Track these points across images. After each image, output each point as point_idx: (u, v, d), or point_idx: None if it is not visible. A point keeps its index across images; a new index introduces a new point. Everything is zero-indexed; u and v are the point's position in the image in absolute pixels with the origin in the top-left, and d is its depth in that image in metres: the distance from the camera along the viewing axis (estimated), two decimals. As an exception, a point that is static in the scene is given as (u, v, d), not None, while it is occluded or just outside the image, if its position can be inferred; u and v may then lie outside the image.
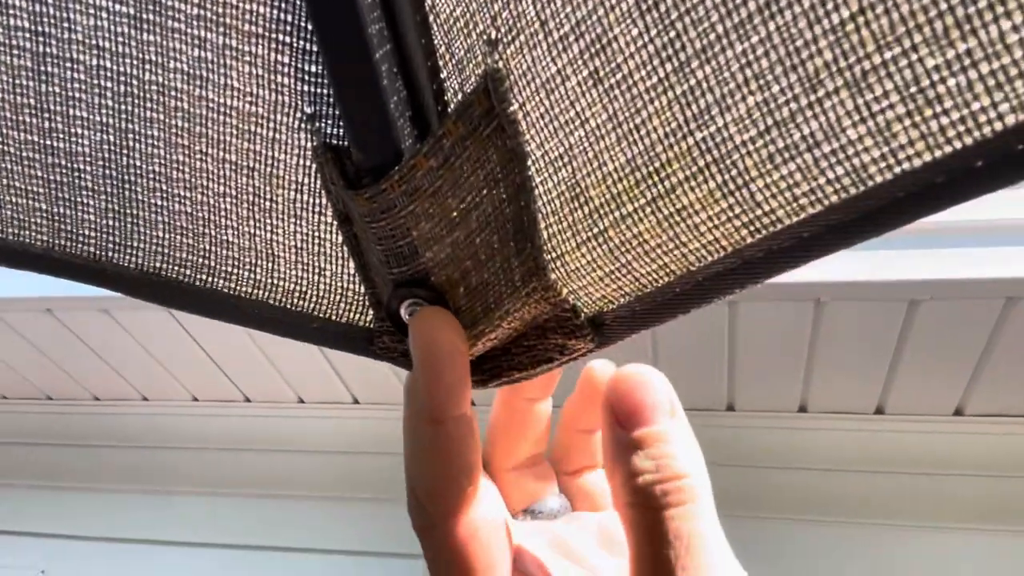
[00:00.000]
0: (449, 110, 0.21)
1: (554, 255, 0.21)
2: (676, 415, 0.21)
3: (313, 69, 0.22)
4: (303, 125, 0.22)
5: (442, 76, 0.21)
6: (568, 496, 0.28)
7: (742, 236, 0.18)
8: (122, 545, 1.62)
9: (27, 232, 0.25)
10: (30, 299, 1.46)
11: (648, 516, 0.20)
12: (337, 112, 0.22)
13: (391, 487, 1.51)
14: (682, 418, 0.21)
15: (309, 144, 0.22)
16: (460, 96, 0.21)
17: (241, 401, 1.66)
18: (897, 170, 0.16)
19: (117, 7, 0.22)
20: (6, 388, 1.77)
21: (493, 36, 0.20)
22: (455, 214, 0.21)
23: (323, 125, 0.22)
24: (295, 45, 0.21)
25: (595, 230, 0.20)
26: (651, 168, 0.18)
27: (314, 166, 0.23)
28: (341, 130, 0.22)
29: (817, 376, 1.35)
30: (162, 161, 0.23)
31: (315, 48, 0.21)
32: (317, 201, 0.23)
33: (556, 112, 0.19)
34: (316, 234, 0.24)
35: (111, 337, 1.52)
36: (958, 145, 0.15)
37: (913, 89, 0.15)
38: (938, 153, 0.15)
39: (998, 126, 0.14)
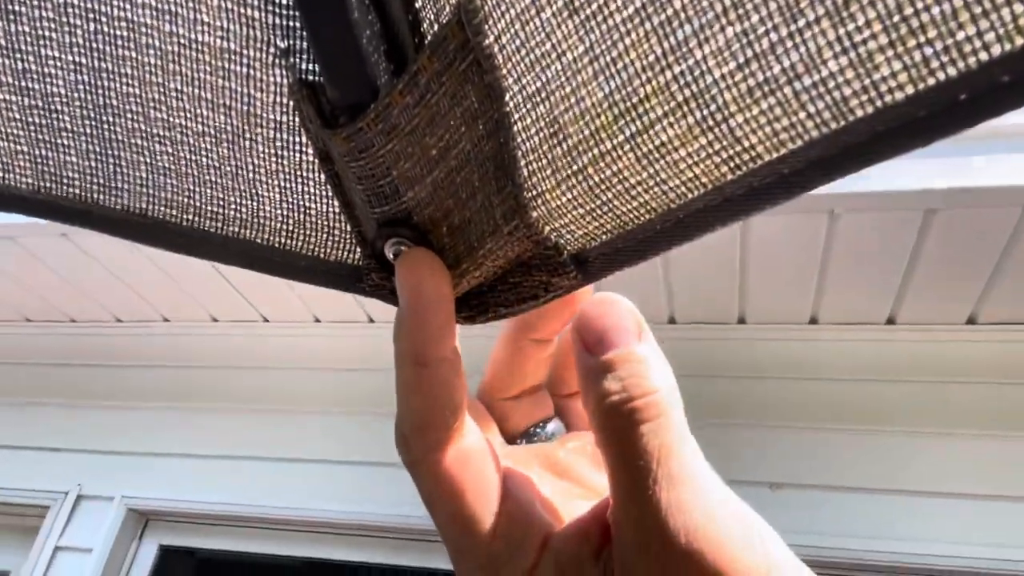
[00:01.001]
0: (425, 44, 0.21)
1: (535, 193, 0.21)
2: (643, 337, 0.21)
3: (283, 0, 0.21)
4: (277, 61, 0.22)
5: (417, 6, 0.20)
6: (564, 419, 0.29)
7: (722, 173, 0.18)
8: (152, 459, 1.70)
9: (12, 175, 0.25)
10: (45, 224, 1.47)
11: (620, 434, 0.20)
12: (310, 47, 0.21)
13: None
14: (649, 339, 0.21)
15: (284, 81, 0.22)
16: (435, 28, 0.20)
17: (259, 321, 1.70)
18: (879, 103, 0.15)
19: (77, -61, 0.21)
20: (31, 311, 1.82)
21: None
22: (434, 152, 0.21)
23: (297, 61, 0.21)
24: (263, -25, 0.20)
25: (574, 168, 0.20)
26: (629, 104, 0.18)
27: (291, 103, 0.22)
28: (316, 66, 0.21)
29: (829, 288, 1.35)
30: (138, 100, 0.23)
31: (284, -22, 0.20)
32: (297, 139, 0.23)
33: (532, 45, 0.19)
34: (298, 173, 0.23)
35: (128, 260, 1.54)
36: (941, 77, 0.14)
37: (896, 18, 0.14)
38: (921, 86, 0.15)
39: (983, 56, 0.14)
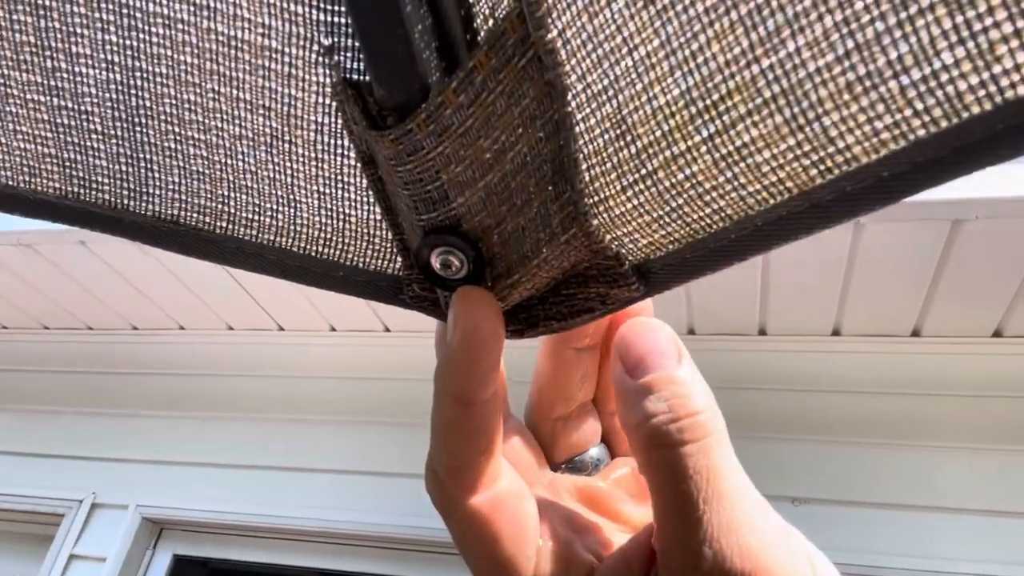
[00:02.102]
0: (480, 39, 0.19)
1: (597, 199, 0.19)
2: (683, 360, 0.21)
3: (329, -5, 0.20)
4: (320, 59, 0.20)
5: (471, 0, 0.19)
6: (609, 436, 0.28)
7: (810, 176, 0.16)
8: (166, 467, 1.69)
9: (38, 179, 0.24)
10: (64, 231, 1.47)
11: (666, 455, 0.20)
12: (357, 44, 0.20)
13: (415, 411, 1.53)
14: (689, 362, 0.21)
15: (328, 80, 0.21)
16: (491, 23, 0.19)
17: (275, 329, 1.69)
18: (998, 99, 0.14)
19: (112, -70, 0.20)
20: (48, 318, 1.82)
21: None
22: (488, 155, 0.19)
23: (342, 59, 0.20)
24: (307, -32, 0.19)
25: (643, 172, 0.18)
26: (708, 101, 0.16)
27: (334, 104, 0.21)
28: (362, 64, 0.20)
29: (853, 299, 1.33)
30: (173, 101, 0.22)
31: (329, -29, 0.19)
32: (339, 142, 0.22)
33: (600, 39, 0.17)
34: (339, 177, 0.22)
35: (145, 268, 1.54)
36: None
37: None
38: None
39: None
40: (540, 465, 0.26)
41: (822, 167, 0.16)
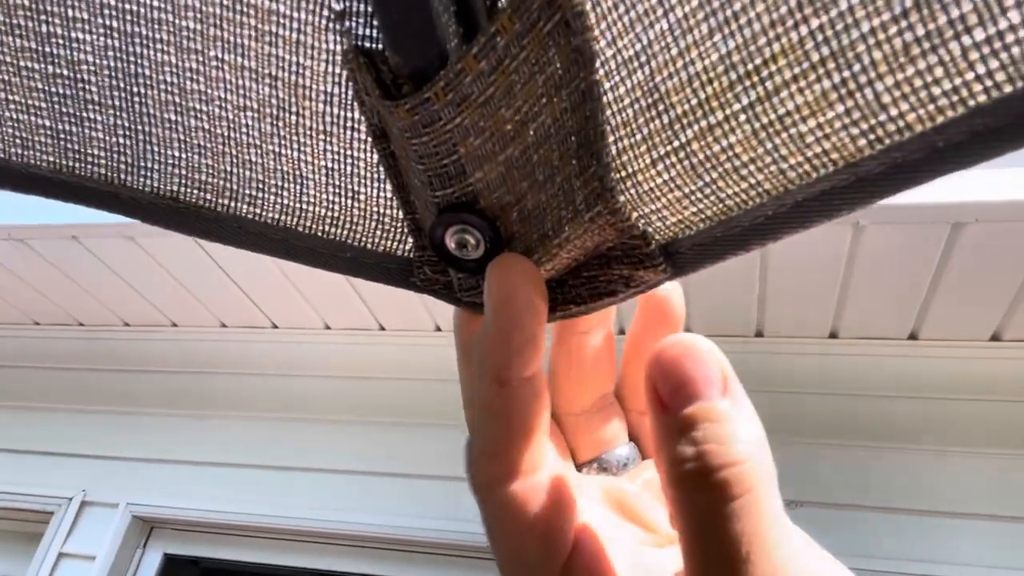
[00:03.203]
0: (501, 2, 0.18)
1: (624, 174, 0.18)
2: (729, 388, 0.18)
3: (341, -44, 0.18)
4: (331, 25, 0.19)
5: (492, -39, 0.18)
6: (637, 436, 0.26)
7: (859, 147, 0.15)
8: (157, 466, 1.67)
9: (31, 152, 0.22)
10: (55, 226, 1.46)
11: (698, 513, 0.17)
12: (370, 8, 0.19)
13: (415, 411, 1.52)
14: (736, 393, 0.18)
15: (339, 47, 0.19)
16: None
17: (268, 327, 1.67)
18: None
19: None
20: (39, 314, 1.80)
21: None
22: (509, 127, 0.18)
23: (354, 24, 0.19)
24: (319, -73, 0.18)
25: (675, 144, 0.17)
26: (750, 67, 0.15)
27: (344, 73, 0.20)
28: (375, 30, 0.19)
29: (851, 301, 1.32)
30: (173, 70, 0.21)
31: (343, -70, 0.18)
32: (349, 115, 0.20)
33: (633, 1, 0.16)
34: (348, 152, 0.21)
35: (138, 264, 1.52)
36: None
37: None
38: None
39: None
40: (566, 465, 0.25)
41: (872, 137, 0.15)
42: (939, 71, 0.14)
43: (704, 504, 0.17)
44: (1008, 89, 0.13)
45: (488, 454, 0.20)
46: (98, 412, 1.78)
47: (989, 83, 0.13)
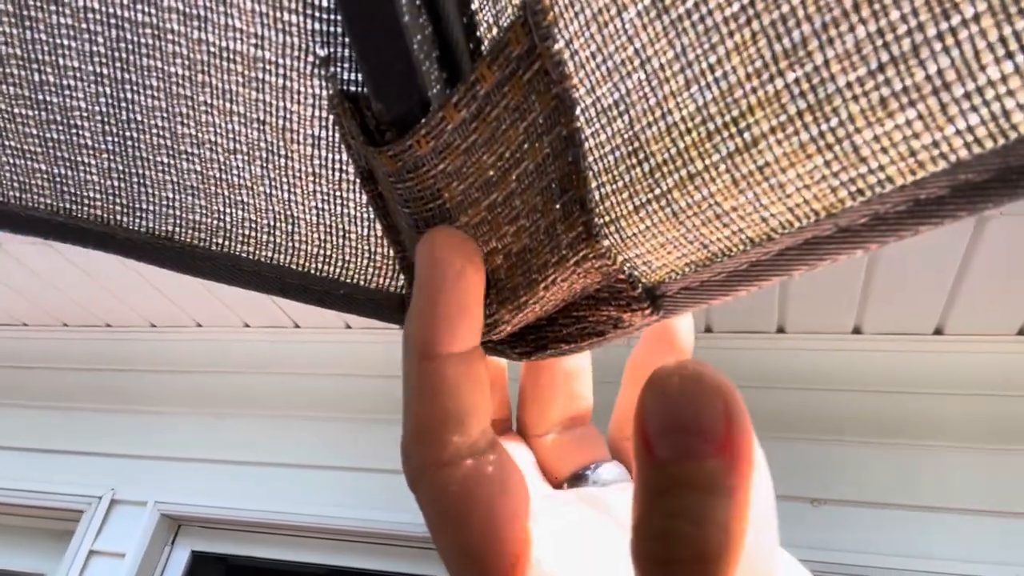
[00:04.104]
0: (483, 49, 0.18)
1: (607, 219, 0.18)
2: (732, 442, 0.14)
3: (324, 3, 0.18)
4: (316, 70, 0.19)
5: (473, 7, 0.18)
6: (627, 461, 0.25)
7: (839, 198, 0.15)
8: (185, 464, 1.70)
9: (28, 195, 0.23)
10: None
11: None
12: (354, 55, 0.19)
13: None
14: (738, 448, 0.14)
15: (324, 92, 0.20)
16: (495, 32, 0.18)
17: (291, 327, 1.69)
18: None
19: (98, -63, 0.19)
20: (67, 316, 1.83)
21: None
22: (492, 173, 0.18)
23: (338, 70, 0.19)
24: (301, -25, 0.18)
25: (656, 191, 0.17)
26: (727, 118, 0.15)
27: (331, 118, 0.20)
28: (359, 75, 0.19)
29: (874, 296, 1.30)
30: (164, 115, 0.21)
31: (324, -22, 0.18)
32: (336, 157, 0.21)
33: (610, 50, 0.16)
34: (337, 193, 0.21)
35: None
36: None
37: None
38: None
39: None
40: (537, 480, 0.24)
41: (852, 188, 0.15)
42: (918, 125, 0.13)
43: None
44: (989, 145, 0.13)
45: (417, 437, 0.18)
46: (126, 412, 1.82)
47: (970, 138, 0.13)
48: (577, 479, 0.24)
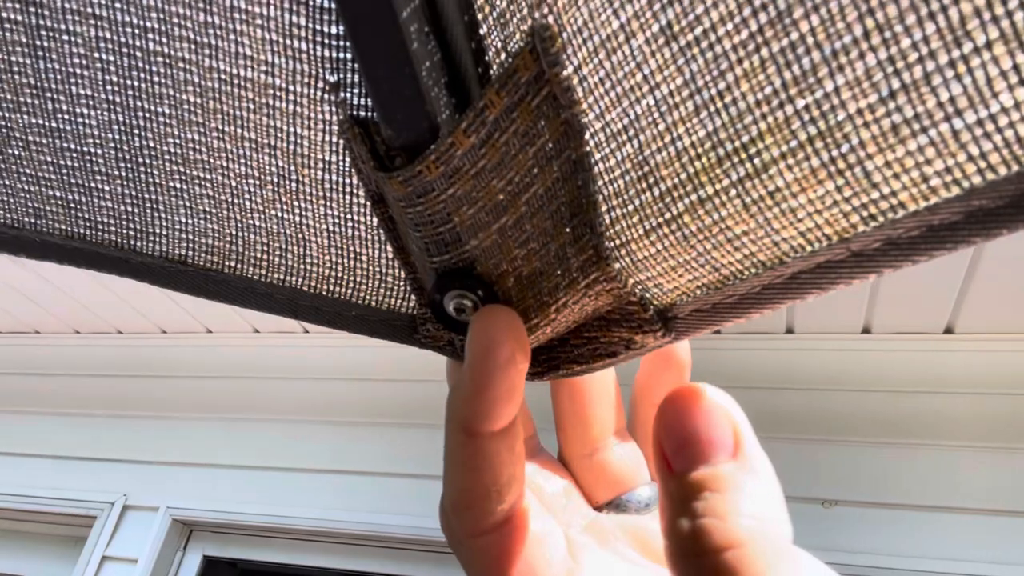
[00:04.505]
0: (491, 74, 0.18)
1: (618, 242, 0.18)
2: (741, 450, 0.17)
3: (333, 31, 0.19)
4: (326, 96, 0.19)
5: (482, 32, 0.18)
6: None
7: (852, 223, 0.15)
8: (196, 470, 1.71)
9: (43, 221, 0.23)
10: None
11: None
12: (363, 81, 0.19)
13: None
14: (748, 454, 0.17)
15: (334, 118, 0.20)
16: (503, 57, 0.18)
17: (300, 332, 1.70)
18: None
19: (110, -33, 0.19)
20: (79, 324, 1.85)
21: None
22: (502, 197, 0.18)
23: (348, 96, 0.19)
24: (311, 3, 0.18)
25: (667, 215, 0.17)
26: (738, 144, 0.15)
27: (341, 143, 0.20)
28: (369, 101, 0.19)
29: (883, 295, 1.30)
30: (176, 141, 0.21)
31: (334, 5, 0.18)
32: (347, 181, 0.21)
33: (619, 76, 0.16)
34: (348, 216, 0.21)
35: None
36: None
37: None
38: None
39: None
40: (577, 506, 0.24)
41: (864, 214, 0.15)
42: (930, 152, 0.13)
43: None
44: (1003, 171, 0.13)
45: (457, 506, 0.20)
46: (138, 418, 1.83)
47: (983, 164, 0.13)
48: (618, 505, 0.25)
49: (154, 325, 1.79)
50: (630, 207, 0.17)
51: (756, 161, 0.15)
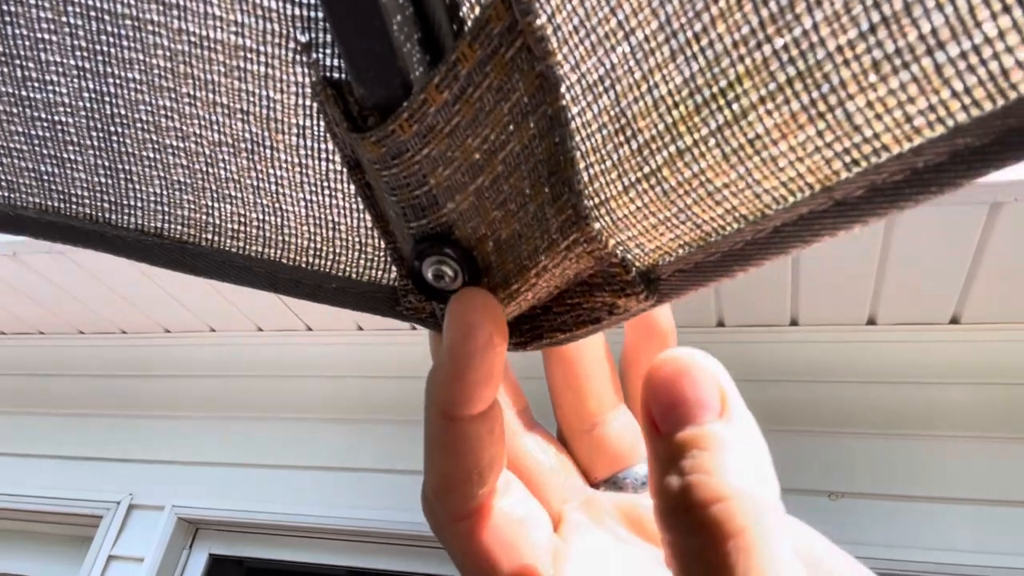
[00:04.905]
0: (465, 29, 0.18)
1: (597, 200, 0.17)
2: (728, 410, 0.17)
3: (302, -12, 0.18)
4: (298, 58, 0.19)
5: (455, -14, 0.18)
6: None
7: (834, 170, 0.14)
8: (201, 468, 1.71)
9: (17, 195, 0.23)
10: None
11: (688, 554, 0.15)
12: (334, 38, 0.18)
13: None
14: (735, 414, 0.17)
15: (307, 80, 0.19)
16: (477, 10, 0.17)
17: (303, 330, 1.70)
18: None
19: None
20: (83, 324, 1.85)
21: None
22: (478, 156, 0.18)
23: (320, 56, 0.19)
24: (279, -41, 0.18)
25: (646, 170, 0.16)
26: (715, 89, 0.15)
27: (315, 106, 0.19)
28: (342, 62, 0.19)
29: (888, 286, 1.29)
30: (148, 108, 0.21)
31: (302, -39, 0.18)
32: (323, 146, 0.20)
33: (593, 23, 0.16)
34: (325, 184, 0.21)
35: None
36: None
37: None
38: None
39: None
40: (574, 482, 0.24)
41: (847, 159, 0.14)
42: (913, 89, 0.13)
43: (693, 547, 0.15)
44: (988, 107, 0.12)
45: (438, 491, 0.20)
46: (142, 417, 1.83)
47: (968, 100, 0.13)
48: (614, 482, 0.24)
49: (158, 324, 1.80)
50: (608, 163, 0.17)
51: (735, 107, 0.15)
